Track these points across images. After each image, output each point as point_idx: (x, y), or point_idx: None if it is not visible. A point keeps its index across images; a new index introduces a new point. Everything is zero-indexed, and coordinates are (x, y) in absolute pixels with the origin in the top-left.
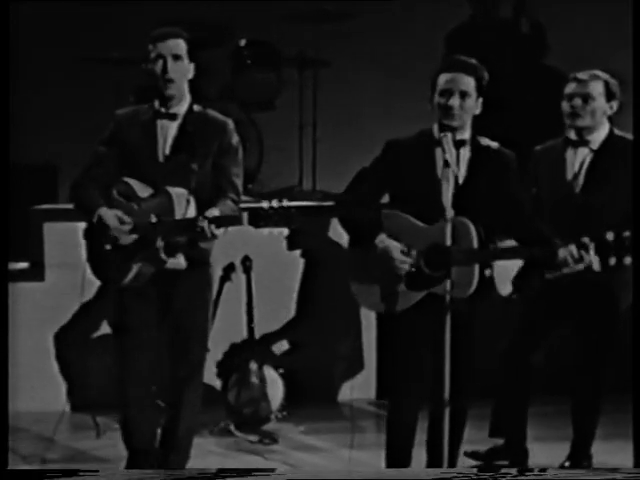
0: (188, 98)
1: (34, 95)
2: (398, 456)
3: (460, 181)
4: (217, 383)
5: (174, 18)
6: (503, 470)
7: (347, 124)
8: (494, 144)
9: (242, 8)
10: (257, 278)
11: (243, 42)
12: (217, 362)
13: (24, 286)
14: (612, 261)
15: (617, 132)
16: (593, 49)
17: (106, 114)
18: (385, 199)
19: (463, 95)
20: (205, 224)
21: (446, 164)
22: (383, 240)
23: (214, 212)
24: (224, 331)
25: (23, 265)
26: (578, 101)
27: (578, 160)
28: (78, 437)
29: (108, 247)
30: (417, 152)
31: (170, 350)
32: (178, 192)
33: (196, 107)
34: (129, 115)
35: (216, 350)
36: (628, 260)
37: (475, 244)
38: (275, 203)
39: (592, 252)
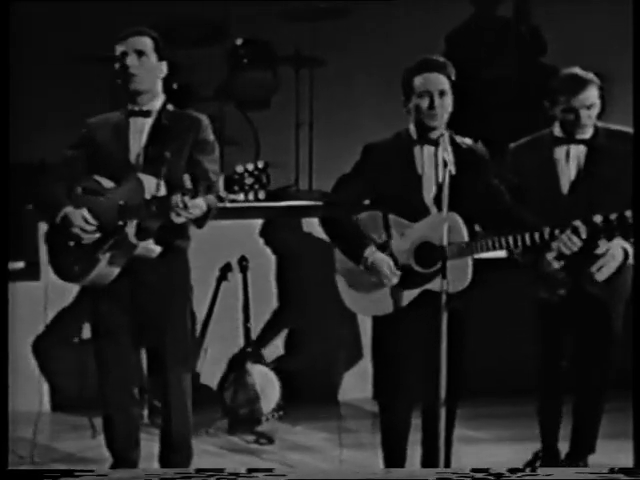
0: (162, 96)
1: (30, 94)
2: (393, 455)
3: (440, 181)
4: (214, 383)
5: (171, 17)
6: (493, 470)
7: (344, 123)
8: (468, 140)
9: (238, 7)
10: (254, 278)
11: (239, 41)
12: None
13: (19, 286)
14: (601, 250)
15: (601, 124)
16: (593, 49)
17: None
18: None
19: (442, 94)
20: (178, 197)
21: (445, 164)
22: (373, 253)
23: (187, 184)
24: (220, 331)
25: (19, 265)
26: (585, 111)
27: (571, 157)
28: (75, 437)
29: (72, 244)
30: (396, 153)
31: (147, 350)
32: (149, 178)
33: (169, 106)
34: (100, 120)
35: (213, 350)
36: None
37: (466, 237)
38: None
39: (584, 236)
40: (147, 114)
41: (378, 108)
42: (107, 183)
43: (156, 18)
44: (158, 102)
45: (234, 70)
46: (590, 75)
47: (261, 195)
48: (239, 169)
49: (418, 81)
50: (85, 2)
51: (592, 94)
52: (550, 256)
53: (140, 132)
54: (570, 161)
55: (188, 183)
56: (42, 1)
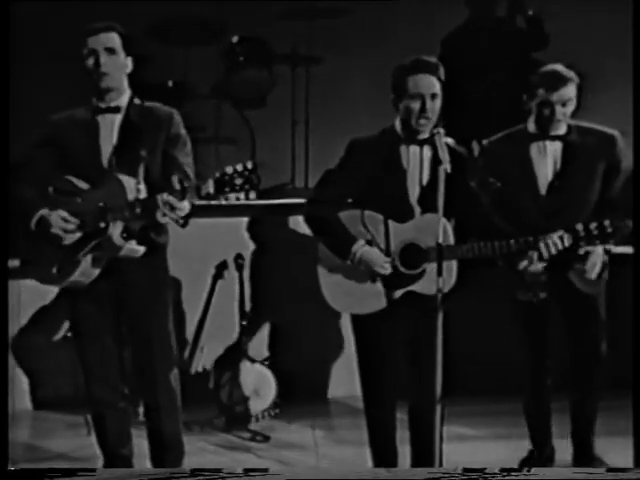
0: (128, 91)
1: (31, 94)
2: (383, 453)
3: (425, 181)
4: (210, 381)
5: (168, 15)
6: (488, 470)
7: (340, 121)
8: (450, 141)
9: (235, 5)
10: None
11: (235, 39)
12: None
13: (15, 284)
14: (582, 251)
15: (573, 122)
16: (593, 48)
17: None
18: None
19: (433, 97)
20: (163, 198)
21: (440, 162)
22: (361, 247)
23: (175, 186)
24: (217, 329)
25: (14, 263)
26: (560, 108)
27: (547, 154)
28: (70, 435)
29: (50, 246)
30: (382, 150)
31: (131, 350)
32: (128, 178)
33: (137, 100)
34: (64, 118)
35: (210, 349)
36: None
37: (451, 240)
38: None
39: (567, 243)
40: (115, 110)
41: (374, 107)
42: (81, 184)
43: (153, 17)
44: (125, 97)
45: (230, 68)
46: (571, 73)
47: (252, 195)
48: (229, 170)
49: (411, 82)
50: (84, 2)
51: (570, 91)
52: (527, 262)
53: (110, 130)
54: (547, 158)
55: (176, 185)
56: (42, 1)
